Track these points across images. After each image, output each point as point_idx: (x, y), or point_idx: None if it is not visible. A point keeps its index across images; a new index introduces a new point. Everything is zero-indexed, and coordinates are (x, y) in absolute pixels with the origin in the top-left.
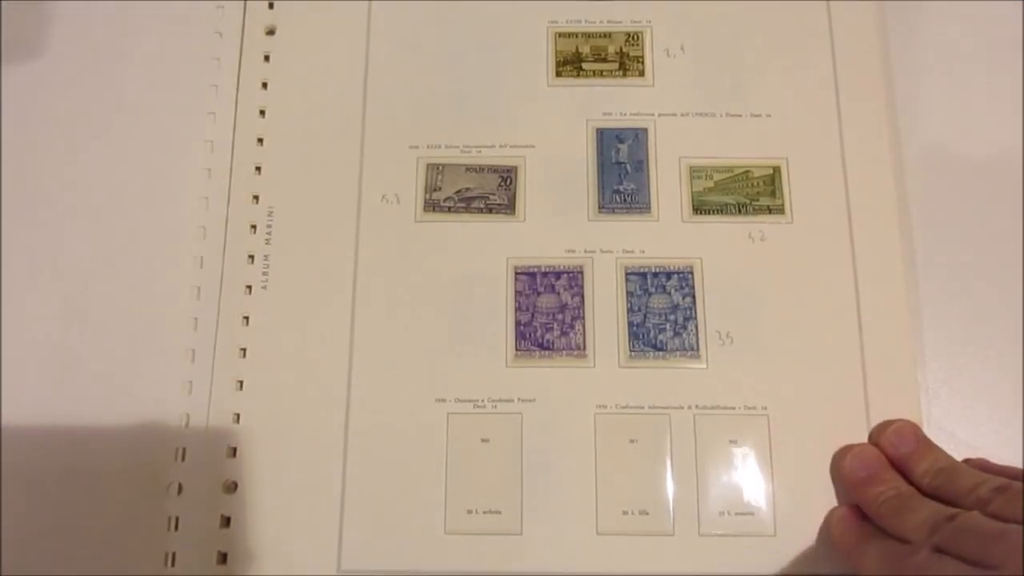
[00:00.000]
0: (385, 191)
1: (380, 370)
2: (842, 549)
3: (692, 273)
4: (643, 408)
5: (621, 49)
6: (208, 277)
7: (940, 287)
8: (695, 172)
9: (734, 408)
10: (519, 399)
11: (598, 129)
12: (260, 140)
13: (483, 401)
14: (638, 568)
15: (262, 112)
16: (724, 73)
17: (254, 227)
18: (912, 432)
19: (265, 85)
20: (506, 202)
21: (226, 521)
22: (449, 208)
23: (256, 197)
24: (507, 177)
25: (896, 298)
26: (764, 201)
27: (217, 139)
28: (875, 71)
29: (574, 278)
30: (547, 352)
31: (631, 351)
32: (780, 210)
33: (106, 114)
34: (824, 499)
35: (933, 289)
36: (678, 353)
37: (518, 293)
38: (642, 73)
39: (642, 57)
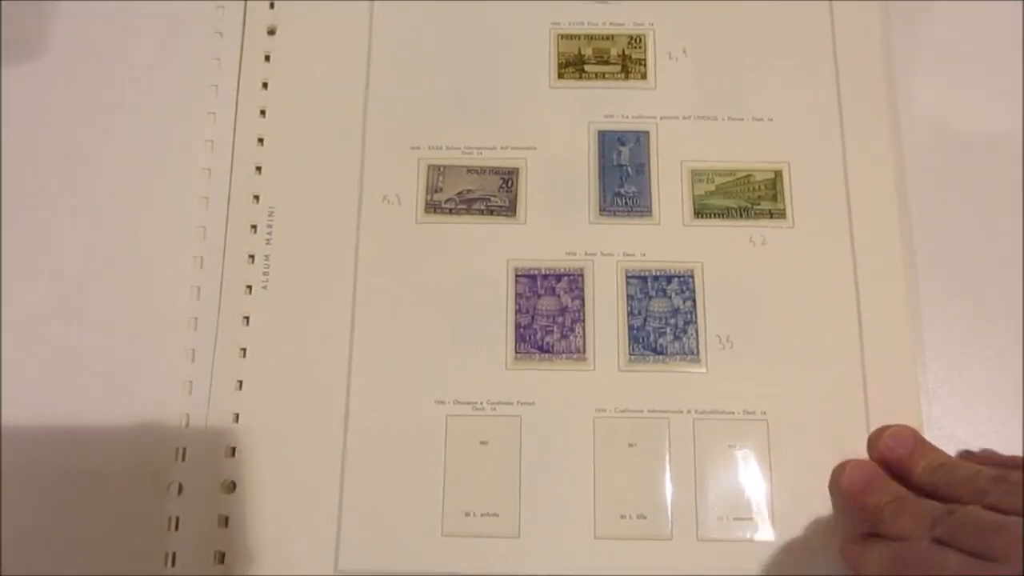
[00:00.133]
0: (386, 192)
1: (380, 371)
2: (851, 495)
3: (693, 277)
4: (642, 412)
5: (623, 51)
6: (208, 277)
7: (940, 287)
8: (696, 175)
9: (733, 413)
10: (518, 402)
11: (600, 131)
12: (260, 140)
13: (482, 403)
14: (636, 572)
15: (263, 112)
16: (726, 76)
17: (254, 227)
18: (910, 434)
19: (265, 85)
20: (507, 204)
21: (224, 521)
22: (450, 209)
23: (256, 197)
24: (508, 179)
25: (896, 300)
26: (765, 205)
27: (217, 139)
28: (877, 74)
29: (574, 281)
30: (547, 355)
31: (631, 355)
32: (781, 214)
33: (106, 114)
34: (823, 504)
35: (933, 289)
36: (678, 357)
37: (518, 295)
38: (644, 76)
39: (644, 60)
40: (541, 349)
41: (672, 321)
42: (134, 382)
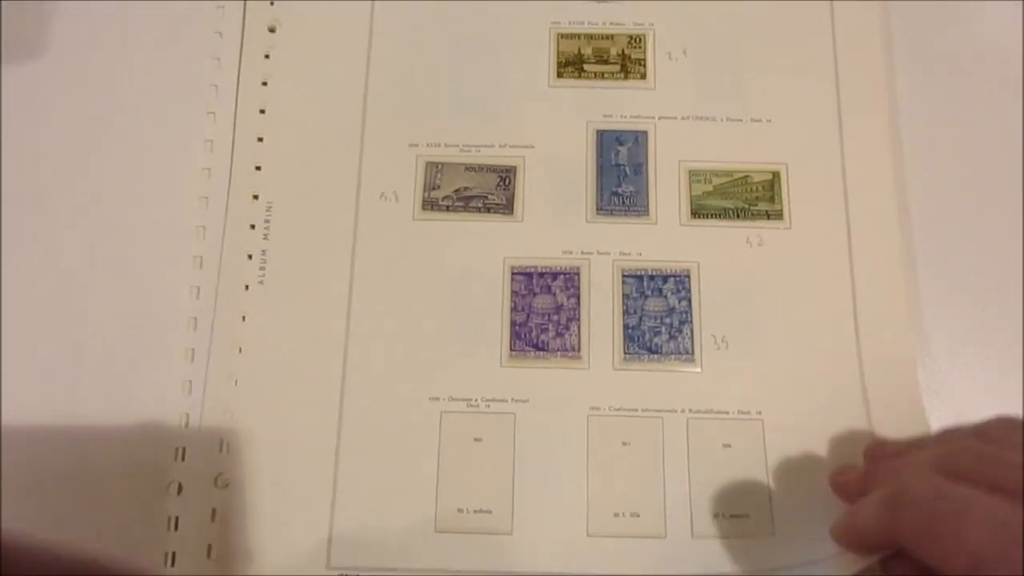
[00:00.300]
0: (384, 189)
1: (375, 367)
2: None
3: (689, 277)
4: (636, 411)
5: (623, 51)
6: (208, 277)
7: (940, 287)
8: (694, 176)
9: (727, 412)
10: (513, 399)
11: (598, 131)
12: (260, 139)
13: (476, 400)
14: (629, 569)
15: (262, 110)
16: (725, 77)
17: (253, 226)
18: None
19: (265, 83)
20: (504, 202)
21: (218, 517)
22: (447, 207)
23: (256, 196)
24: (506, 177)
25: (895, 300)
26: (763, 206)
27: (217, 139)
28: (878, 75)
29: (570, 279)
30: (542, 353)
31: (625, 353)
32: (779, 215)
33: (106, 114)
34: (819, 502)
35: (933, 289)
36: (673, 356)
37: (514, 293)
38: (643, 76)
39: (644, 60)
40: (536, 347)
41: (667, 320)
42: (134, 382)
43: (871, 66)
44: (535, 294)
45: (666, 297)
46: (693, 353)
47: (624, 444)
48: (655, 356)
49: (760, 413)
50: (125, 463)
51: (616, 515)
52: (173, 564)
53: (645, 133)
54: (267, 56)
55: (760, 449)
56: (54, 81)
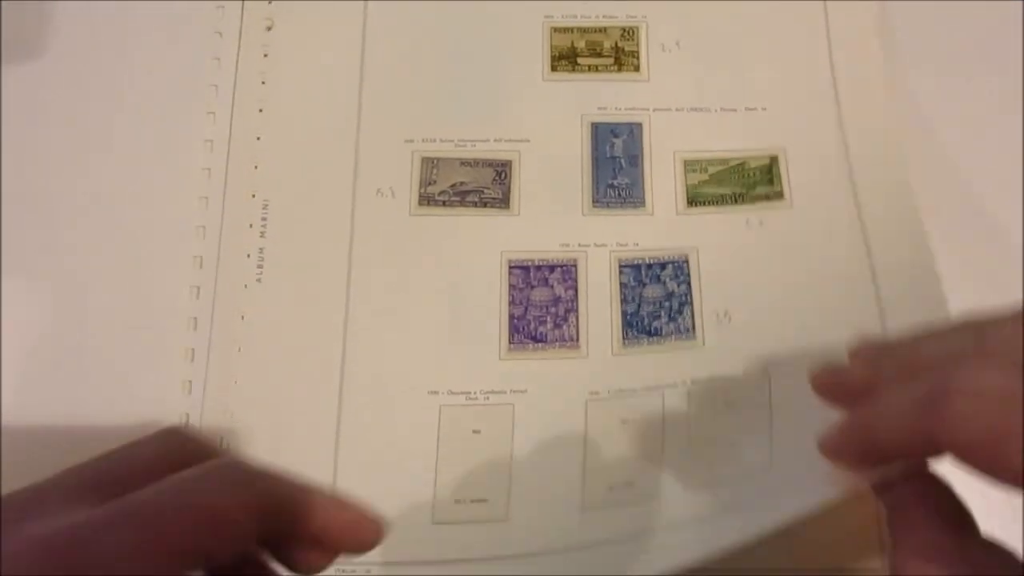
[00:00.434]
0: (380, 185)
1: (373, 363)
2: None
3: (687, 261)
4: (636, 390)
5: (616, 44)
6: (207, 277)
7: (943, 282)
8: (690, 166)
9: (732, 377)
10: (511, 390)
11: (593, 124)
12: (258, 138)
13: (475, 393)
14: (625, 535)
15: (260, 109)
16: (719, 68)
17: (252, 225)
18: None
19: (264, 82)
20: (500, 196)
21: None
22: (444, 202)
23: (254, 195)
24: (502, 171)
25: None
26: (761, 189)
27: (216, 139)
28: (874, 61)
29: (568, 272)
30: (540, 344)
31: (624, 339)
32: (779, 196)
33: (106, 114)
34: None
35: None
36: (673, 336)
37: (512, 287)
38: (637, 68)
39: (637, 52)
40: (535, 339)
41: (667, 304)
42: (134, 382)
43: (867, 49)
44: (533, 287)
45: (664, 283)
46: (694, 331)
47: (623, 422)
48: (655, 338)
49: (767, 376)
50: None
51: (611, 488)
52: None
53: (640, 125)
54: (265, 55)
55: (766, 408)
56: (54, 81)
